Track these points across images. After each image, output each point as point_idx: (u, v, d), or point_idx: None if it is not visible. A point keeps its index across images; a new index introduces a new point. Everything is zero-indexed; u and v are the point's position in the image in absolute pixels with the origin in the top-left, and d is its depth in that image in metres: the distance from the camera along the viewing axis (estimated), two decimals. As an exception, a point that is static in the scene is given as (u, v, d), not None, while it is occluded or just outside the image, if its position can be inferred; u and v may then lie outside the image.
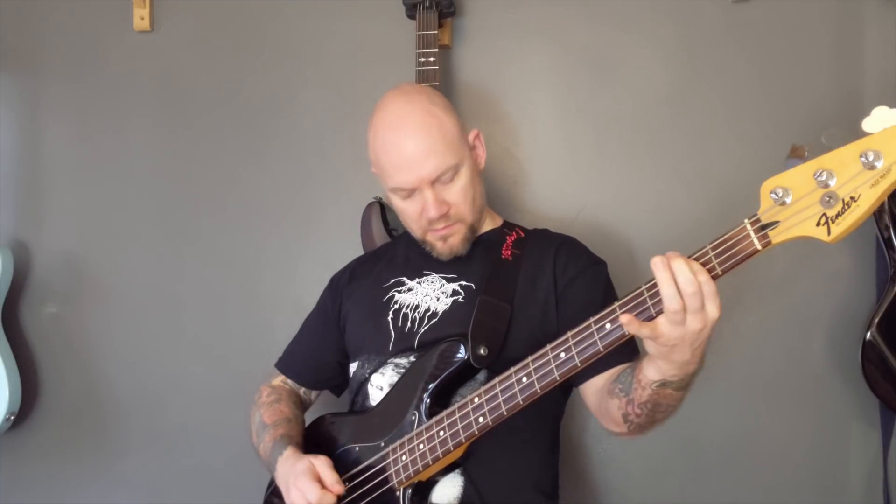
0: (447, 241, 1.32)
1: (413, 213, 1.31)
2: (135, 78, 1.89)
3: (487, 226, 1.41)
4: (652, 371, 1.04)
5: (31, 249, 1.92)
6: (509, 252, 1.34)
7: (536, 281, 1.31)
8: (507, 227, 1.43)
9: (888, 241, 1.53)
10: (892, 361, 1.53)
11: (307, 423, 1.43)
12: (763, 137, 1.66)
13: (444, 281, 1.34)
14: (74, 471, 1.90)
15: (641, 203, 1.70)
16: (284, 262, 1.83)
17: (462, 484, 1.21)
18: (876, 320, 1.53)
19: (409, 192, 1.29)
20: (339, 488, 1.18)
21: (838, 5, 1.64)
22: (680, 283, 0.94)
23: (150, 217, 1.89)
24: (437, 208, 1.27)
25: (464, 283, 1.32)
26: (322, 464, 1.20)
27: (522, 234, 1.40)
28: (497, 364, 1.20)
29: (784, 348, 1.65)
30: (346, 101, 1.81)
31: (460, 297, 1.31)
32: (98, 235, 1.90)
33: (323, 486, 1.18)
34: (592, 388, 1.25)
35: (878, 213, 1.54)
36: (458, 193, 1.29)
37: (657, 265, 0.96)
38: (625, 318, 0.98)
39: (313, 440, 1.35)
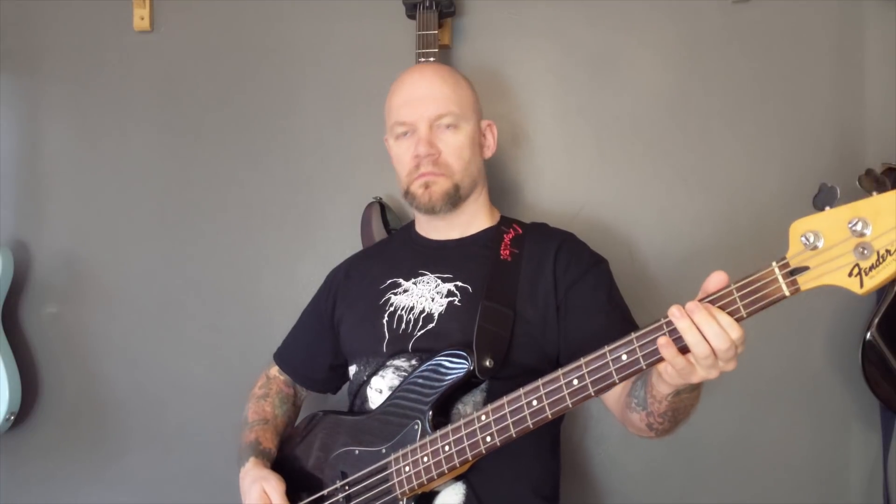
0: (429, 188, 1.34)
1: (405, 156, 1.35)
2: (135, 78, 1.89)
3: (484, 223, 1.40)
4: (663, 387, 1.04)
5: (31, 249, 1.92)
6: (508, 252, 1.33)
7: (536, 283, 1.29)
8: (505, 223, 1.41)
9: (888, 242, 1.53)
10: (892, 362, 1.53)
11: (308, 410, 1.45)
12: (762, 138, 1.66)
13: (439, 281, 1.33)
14: (74, 471, 1.90)
15: (641, 203, 1.70)
16: (284, 262, 1.83)
17: (464, 491, 1.20)
18: (876, 320, 1.53)
19: (407, 131, 1.34)
20: None
21: (838, 6, 1.64)
22: (709, 337, 0.92)
23: (150, 217, 1.89)
24: (428, 145, 1.32)
25: (459, 283, 1.31)
26: (273, 490, 1.24)
27: (520, 231, 1.38)
28: (501, 371, 1.20)
29: (784, 348, 1.65)
30: (346, 101, 1.81)
31: (456, 299, 1.29)
32: (98, 235, 1.90)
33: None
34: (613, 397, 1.25)
35: (878, 214, 1.54)
36: (452, 146, 1.33)
37: (674, 315, 0.95)
38: (662, 341, 0.96)
39: (314, 436, 1.35)
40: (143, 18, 1.86)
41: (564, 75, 1.74)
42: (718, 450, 1.66)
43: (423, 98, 1.33)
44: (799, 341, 1.65)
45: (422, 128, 1.32)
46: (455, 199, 1.35)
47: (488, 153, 1.43)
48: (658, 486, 1.69)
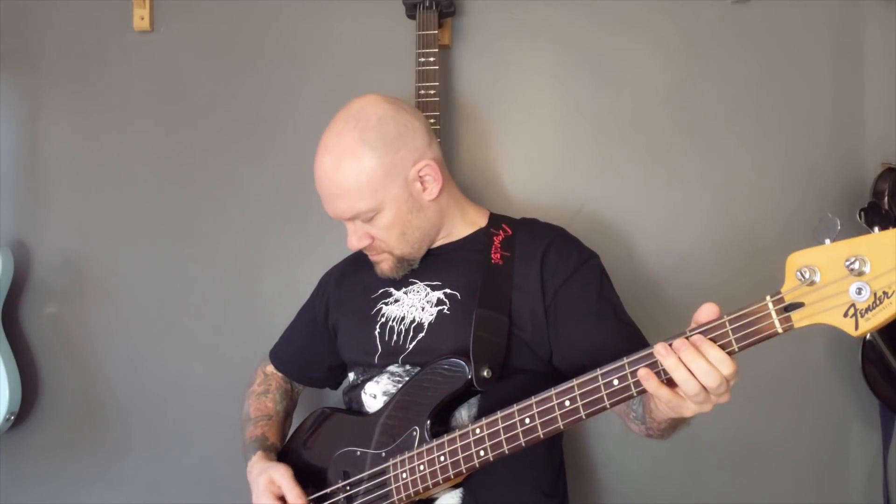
0: (378, 265, 1.34)
1: None
2: (135, 78, 1.89)
3: (469, 228, 1.37)
4: (660, 414, 1.03)
5: (31, 249, 1.92)
6: (499, 255, 1.30)
7: (525, 288, 1.26)
8: (494, 224, 1.37)
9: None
10: (891, 361, 1.53)
11: (307, 403, 1.46)
12: (762, 137, 1.67)
13: (428, 289, 1.31)
14: (74, 471, 1.90)
15: (640, 202, 1.70)
16: (284, 262, 1.83)
17: (461, 494, 1.20)
18: (876, 320, 1.53)
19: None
20: (300, 503, 1.22)
21: (838, 6, 1.64)
22: (698, 374, 0.90)
23: (151, 217, 1.89)
24: (357, 241, 1.30)
25: (448, 291, 1.29)
26: (282, 477, 1.24)
27: (510, 232, 1.34)
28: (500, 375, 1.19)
29: (784, 347, 1.64)
30: (347, 101, 1.77)
31: (445, 307, 1.28)
32: (98, 235, 1.90)
33: (285, 501, 1.24)
34: None
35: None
36: (381, 230, 1.28)
37: (660, 353, 0.92)
38: (643, 373, 0.94)
39: (320, 432, 1.36)
40: (143, 18, 1.86)
41: (564, 75, 1.74)
42: (718, 448, 1.67)
43: (331, 198, 1.27)
44: (799, 341, 1.65)
45: (346, 224, 1.29)
46: (410, 262, 1.33)
47: (433, 194, 1.29)
48: (658, 485, 1.69)
